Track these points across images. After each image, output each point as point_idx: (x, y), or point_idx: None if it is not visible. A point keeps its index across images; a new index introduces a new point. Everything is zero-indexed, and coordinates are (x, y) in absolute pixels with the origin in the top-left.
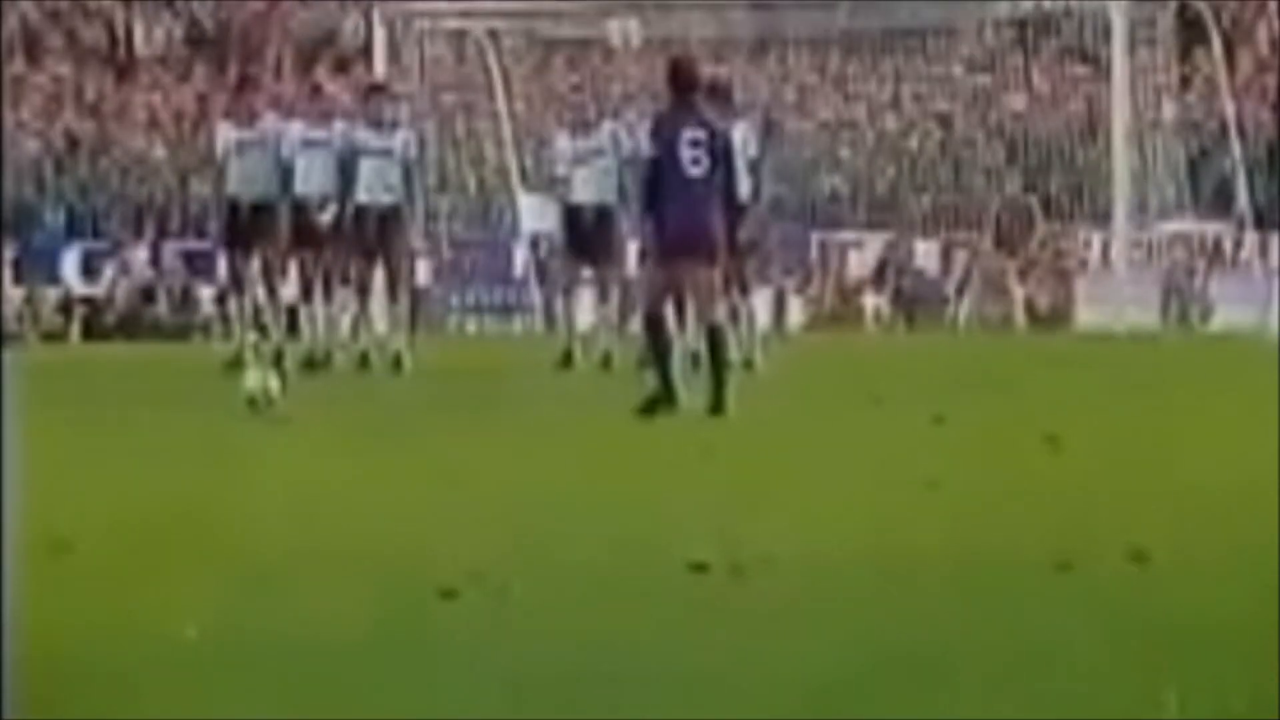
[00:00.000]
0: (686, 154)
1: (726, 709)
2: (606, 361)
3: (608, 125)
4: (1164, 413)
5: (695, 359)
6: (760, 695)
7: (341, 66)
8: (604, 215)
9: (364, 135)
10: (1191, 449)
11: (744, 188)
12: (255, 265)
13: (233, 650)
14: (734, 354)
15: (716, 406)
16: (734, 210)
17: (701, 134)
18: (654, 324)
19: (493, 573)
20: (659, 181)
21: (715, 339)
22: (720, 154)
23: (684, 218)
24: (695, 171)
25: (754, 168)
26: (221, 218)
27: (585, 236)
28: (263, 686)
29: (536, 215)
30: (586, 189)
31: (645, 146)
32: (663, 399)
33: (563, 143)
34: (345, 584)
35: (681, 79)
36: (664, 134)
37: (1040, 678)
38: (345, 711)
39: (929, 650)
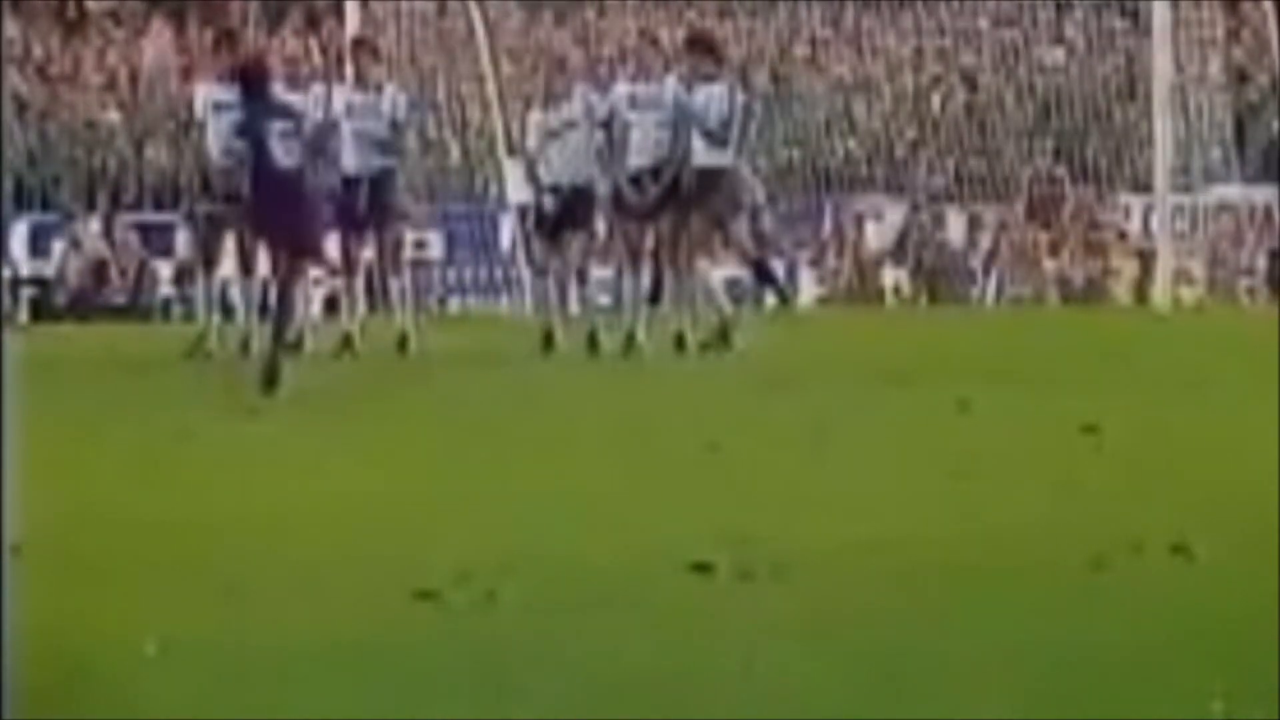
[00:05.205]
0: (278, 146)
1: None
2: (592, 345)
3: (579, 90)
4: (1208, 396)
5: (679, 340)
6: (767, 705)
7: (312, 22)
8: (580, 196)
9: (346, 95)
10: (1238, 436)
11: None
12: (229, 239)
13: (203, 657)
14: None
15: (267, 383)
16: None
17: (290, 125)
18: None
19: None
20: (254, 176)
21: (273, 328)
22: (314, 144)
23: (276, 210)
24: (288, 163)
25: (725, 126)
26: (198, 186)
27: (561, 221)
28: (229, 696)
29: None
30: (560, 167)
31: (621, 107)
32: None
33: (535, 117)
34: (319, 587)
35: (252, 82)
36: (252, 130)
37: (1075, 684)
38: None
39: (956, 655)
